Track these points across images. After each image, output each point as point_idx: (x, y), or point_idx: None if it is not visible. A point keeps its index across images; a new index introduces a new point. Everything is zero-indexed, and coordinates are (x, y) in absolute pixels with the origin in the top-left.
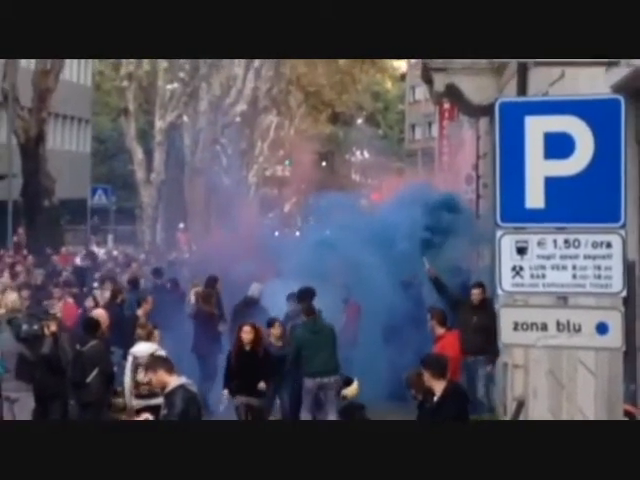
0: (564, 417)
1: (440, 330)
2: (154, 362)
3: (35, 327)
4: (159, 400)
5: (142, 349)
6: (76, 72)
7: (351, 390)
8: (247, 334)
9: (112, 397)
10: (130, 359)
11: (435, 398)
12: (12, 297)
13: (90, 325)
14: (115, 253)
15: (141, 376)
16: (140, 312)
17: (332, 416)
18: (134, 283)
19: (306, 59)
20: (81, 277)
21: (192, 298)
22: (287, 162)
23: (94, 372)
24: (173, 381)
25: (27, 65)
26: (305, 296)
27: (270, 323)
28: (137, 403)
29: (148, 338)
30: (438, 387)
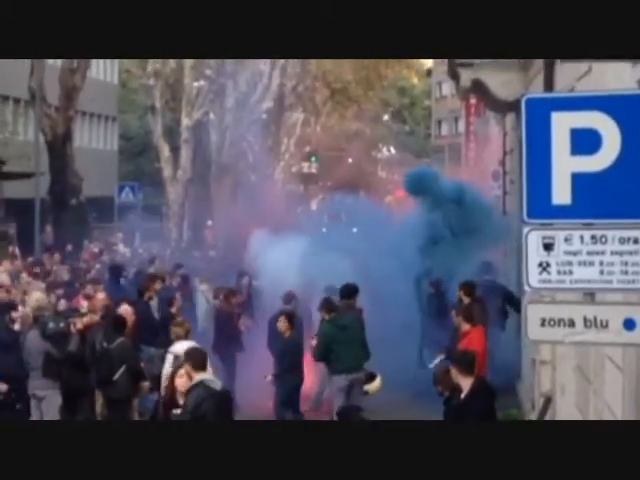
0: (591, 413)
1: (466, 326)
2: (184, 357)
3: (61, 325)
4: None
5: (182, 348)
6: (102, 70)
7: (374, 386)
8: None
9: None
10: (170, 358)
11: (462, 395)
12: (37, 295)
13: (117, 322)
14: (140, 250)
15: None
16: (174, 310)
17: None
18: (115, 271)
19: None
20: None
21: (209, 296)
22: (313, 159)
23: (121, 369)
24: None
25: (54, 63)
26: (347, 293)
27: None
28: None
29: (186, 336)
30: (465, 383)
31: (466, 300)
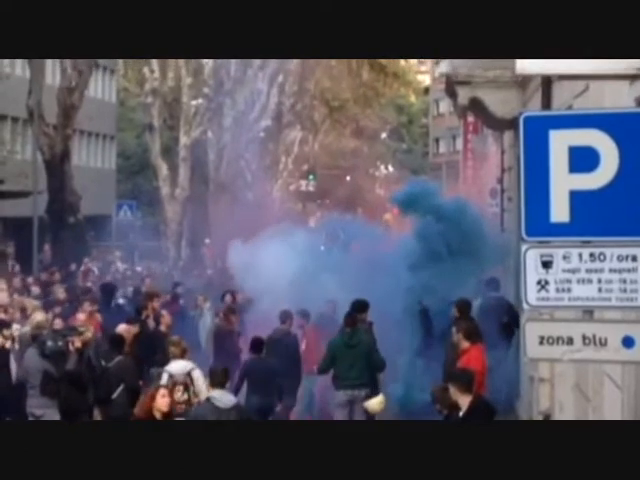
0: None
1: (465, 344)
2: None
3: (60, 343)
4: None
5: (178, 367)
6: (101, 89)
7: (372, 404)
8: None
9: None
10: (165, 377)
11: (461, 413)
12: (40, 317)
13: (115, 341)
14: (139, 269)
15: (178, 395)
16: (162, 328)
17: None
18: (107, 290)
19: (329, 72)
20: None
21: (207, 315)
22: (311, 177)
23: (120, 388)
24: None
25: (52, 82)
26: (359, 308)
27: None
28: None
29: (182, 355)
30: (464, 401)
31: (459, 318)
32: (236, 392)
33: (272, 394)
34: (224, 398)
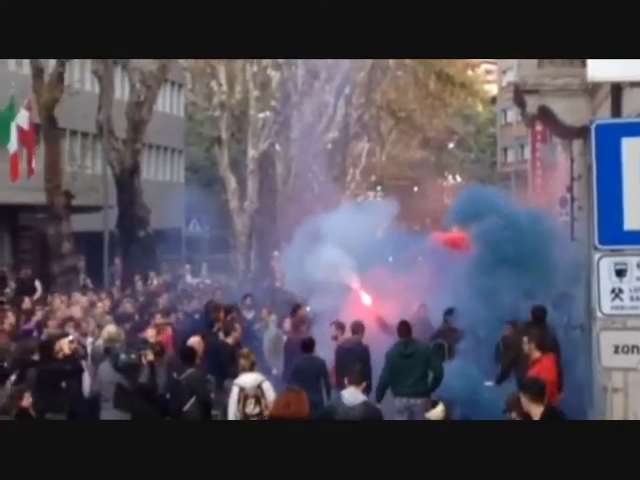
0: None
1: (536, 353)
2: None
3: (133, 357)
4: None
5: (248, 380)
6: (169, 103)
7: (434, 413)
8: None
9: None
10: (236, 390)
11: None
12: (111, 329)
13: (187, 354)
14: (208, 282)
15: (250, 408)
16: (229, 340)
17: None
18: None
19: (396, 82)
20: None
21: (272, 327)
22: (379, 188)
23: (191, 400)
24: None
25: (121, 97)
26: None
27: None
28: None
29: (251, 368)
30: (536, 411)
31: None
32: None
33: (321, 390)
34: (352, 396)
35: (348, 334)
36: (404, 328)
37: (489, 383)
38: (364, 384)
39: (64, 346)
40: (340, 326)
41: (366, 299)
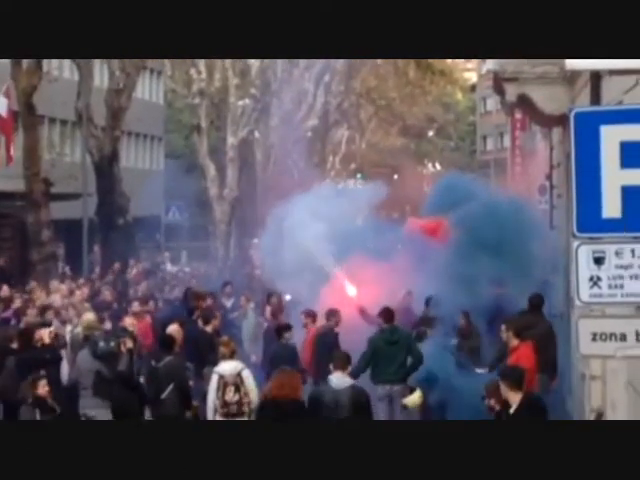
0: None
1: (515, 341)
2: None
3: (112, 344)
4: (245, 419)
5: (228, 368)
6: (148, 90)
7: (412, 399)
8: None
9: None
10: (215, 378)
11: (511, 410)
12: (89, 316)
13: (166, 341)
14: (187, 269)
15: (230, 395)
16: (209, 328)
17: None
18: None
19: (376, 71)
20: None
21: (251, 315)
22: (359, 176)
23: (169, 388)
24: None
25: (100, 84)
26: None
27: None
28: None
29: (231, 356)
30: (514, 399)
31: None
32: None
33: None
34: (339, 380)
35: (323, 321)
36: (388, 315)
37: (481, 370)
38: (349, 368)
39: (44, 335)
40: (310, 314)
41: (351, 290)
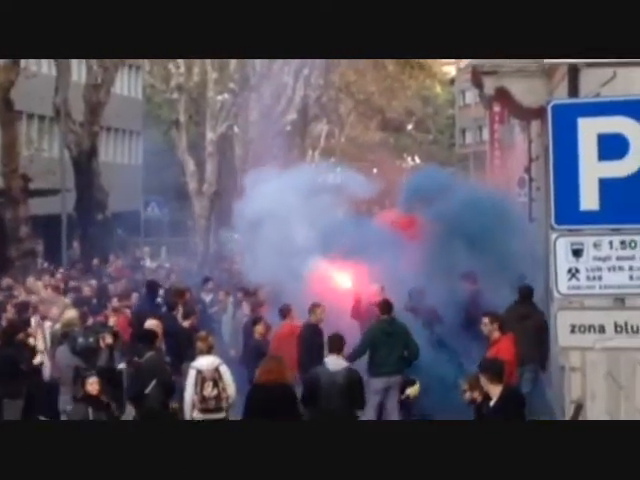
0: (622, 418)
1: (496, 334)
2: None
3: (91, 340)
4: (223, 414)
5: (205, 363)
6: (127, 85)
7: (414, 390)
8: None
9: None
10: (193, 373)
11: (491, 403)
12: (71, 313)
13: (147, 337)
14: (167, 265)
15: (208, 390)
16: (186, 324)
17: (394, 415)
18: (152, 287)
19: (355, 65)
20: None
21: (230, 310)
22: (338, 170)
23: (152, 383)
24: (230, 390)
25: (78, 80)
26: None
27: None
28: (202, 417)
29: (209, 351)
30: (494, 391)
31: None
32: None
33: None
34: (336, 362)
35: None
36: (386, 306)
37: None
38: (344, 351)
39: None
40: (281, 310)
41: (346, 282)
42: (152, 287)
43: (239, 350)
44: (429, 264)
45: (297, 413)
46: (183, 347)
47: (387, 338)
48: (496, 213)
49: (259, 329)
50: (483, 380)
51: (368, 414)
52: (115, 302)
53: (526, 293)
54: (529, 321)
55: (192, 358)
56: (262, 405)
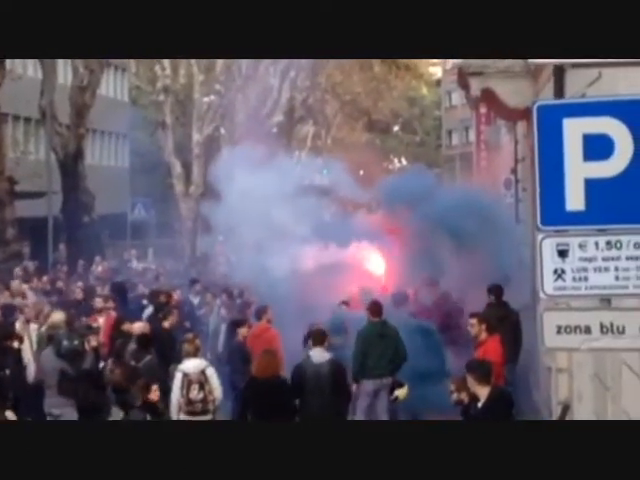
0: (609, 419)
1: (483, 335)
2: None
3: (76, 342)
4: (209, 417)
5: (191, 365)
6: (112, 87)
7: (402, 392)
8: None
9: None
10: (179, 376)
11: (479, 404)
12: (58, 316)
13: (144, 341)
14: (154, 267)
15: (194, 393)
16: (166, 325)
17: (384, 416)
18: (119, 289)
19: (341, 66)
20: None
21: (217, 312)
22: (325, 171)
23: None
24: (217, 392)
25: (64, 82)
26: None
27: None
28: (188, 420)
29: (195, 354)
30: (482, 392)
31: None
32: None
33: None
34: (320, 355)
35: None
36: (377, 308)
37: None
38: (327, 343)
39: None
40: (257, 311)
41: (379, 267)
42: (118, 289)
43: (216, 352)
44: (413, 266)
45: (293, 405)
46: (167, 349)
47: (379, 340)
48: (483, 215)
49: (242, 332)
50: (470, 381)
51: (358, 416)
52: (99, 302)
53: (499, 293)
54: (507, 321)
55: (176, 360)
56: (259, 398)
